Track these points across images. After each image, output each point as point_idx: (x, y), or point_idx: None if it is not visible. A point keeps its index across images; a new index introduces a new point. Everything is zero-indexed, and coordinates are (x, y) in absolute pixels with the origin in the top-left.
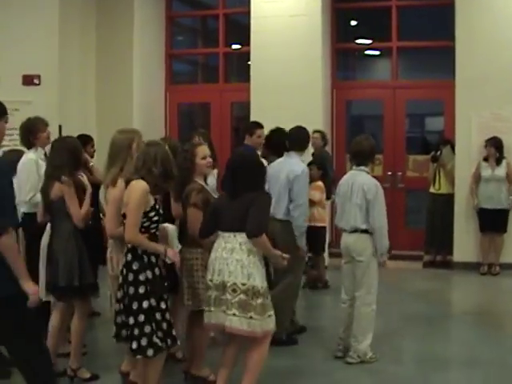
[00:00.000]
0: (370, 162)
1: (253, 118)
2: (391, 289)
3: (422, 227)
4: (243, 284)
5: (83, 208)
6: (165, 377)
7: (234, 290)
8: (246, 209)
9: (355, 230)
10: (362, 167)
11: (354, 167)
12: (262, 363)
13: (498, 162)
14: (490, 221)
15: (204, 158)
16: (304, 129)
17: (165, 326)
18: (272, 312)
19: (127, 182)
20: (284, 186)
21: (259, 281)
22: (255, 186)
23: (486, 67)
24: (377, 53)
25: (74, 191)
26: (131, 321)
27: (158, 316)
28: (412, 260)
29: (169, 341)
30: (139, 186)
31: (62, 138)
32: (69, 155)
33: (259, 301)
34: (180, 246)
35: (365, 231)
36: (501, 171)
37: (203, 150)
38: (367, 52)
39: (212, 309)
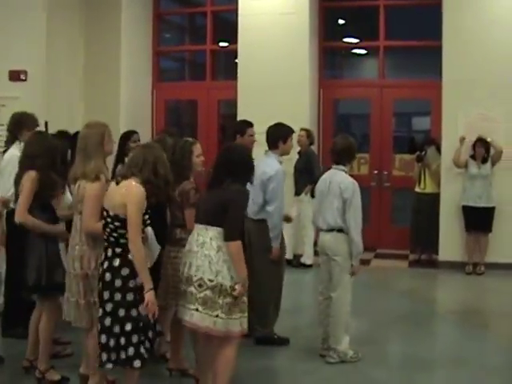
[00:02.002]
0: (348, 161)
1: (240, 116)
2: (376, 287)
3: (408, 226)
4: (210, 280)
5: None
6: (154, 379)
7: (201, 285)
8: (220, 204)
9: (332, 229)
10: (341, 166)
11: (333, 166)
12: (231, 366)
13: (485, 160)
14: (476, 220)
15: (199, 155)
16: (281, 125)
17: (151, 334)
18: (243, 314)
19: (120, 179)
20: (258, 187)
21: (228, 280)
22: (233, 177)
23: (473, 68)
24: (364, 52)
25: (32, 186)
26: (116, 329)
27: (145, 325)
28: (398, 259)
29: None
30: (138, 190)
31: (42, 132)
32: (44, 151)
33: (227, 300)
34: (159, 248)
35: (341, 230)
36: (487, 169)
37: (199, 147)
38: (355, 51)
39: (181, 302)
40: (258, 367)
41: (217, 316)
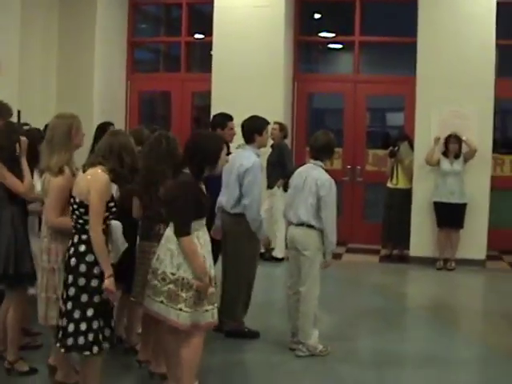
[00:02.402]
0: (326, 157)
1: (214, 109)
2: (347, 282)
3: (380, 221)
4: (172, 274)
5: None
6: (123, 370)
7: (164, 279)
8: (173, 196)
9: (302, 224)
10: (318, 162)
11: (311, 161)
12: (196, 359)
13: (457, 157)
14: (447, 216)
15: None
16: (256, 118)
17: (113, 323)
18: (211, 307)
19: (87, 167)
20: (234, 180)
21: (189, 272)
22: (196, 167)
23: (447, 65)
24: (339, 46)
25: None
26: (77, 315)
27: (107, 312)
28: (369, 254)
29: (114, 340)
30: (102, 177)
31: (12, 124)
32: (9, 143)
33: (190, 294)
34: (126, 245)
35: (311, 226)
36: (459, 165)
37: None
38: (330, 45)
39: (152, 296)
40: (227, 360)
41: (180, 310)
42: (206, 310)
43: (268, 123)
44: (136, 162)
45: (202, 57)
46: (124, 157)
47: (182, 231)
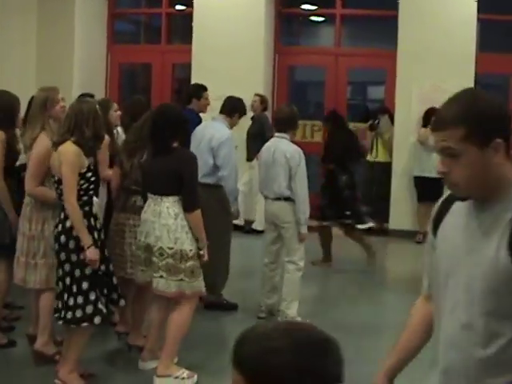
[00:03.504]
0: (290, 128)
1: (194, 81)
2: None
3: (359, 194)
4: (170, 248)
5: None
6: (100, 341)
7: (161, 254)
8: (174, 172)
9: (279, 198)
10: (283, 134)
11: (276, 134)
12: (185, 327)
13: None
14: (429, 190)
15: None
16: (242, 102)
17: (106, 291)
18: (202, 277)
19: (57, 144)
20: (207, 151)
21: (187, 244)
22: (175, 139)
23: (428, 39)
24: (321, 19)
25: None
26: (74, 289)
27: (101, 281)
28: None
29: (111, 307)
30: (71, 149)
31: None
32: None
33: (188, 264)
34: (101, 222)
35: (288, 199)
36: None
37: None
38: (312, 18)
39: (144, 268)
40: (205, 331)
41: (181, 280)
42: (201, 280)
43: (245, 113)
44: (99, 130)
45: (183, 28)
46: (85, 130)
47: (194, 205)
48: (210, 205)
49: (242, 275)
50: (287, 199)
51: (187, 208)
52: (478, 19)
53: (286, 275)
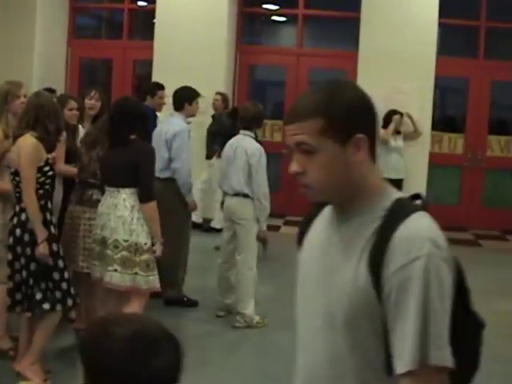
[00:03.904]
0: (255, 126)
1: (155, 77)
2: (284, 254)
3: None
4: (125, 240)
5: None
6: (58, 337)
7: (116, 247)
8: (131, 164)
9: (237, 194)
10: (247, 132)
11: (241, 131)
12: None
13: (398, 132)
14: None
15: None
16: (188, 88)
17: (64, 285)
18: (156, 271)
19: (16, 137)
20: (163, 145)
21: (143, 237)
22: (133, 131)
23: (389, 41)
24: (283, 19)
25: None
26: (31, 282)
27: (56, 276)
28: None
29: (69, 301)
30: (30, 142)
31: None
32: None
33: (143, 257)
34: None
35: (247, 195)
36: (401, 141)
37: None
38: (274, 18)
39: (96, 263)
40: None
41: (136, 273)
42: (154, 274)
43: (199, 95)
44: (60, 124)
45: (144, 25)
46: (48, 124)
47: (150, 196)
48: (166, 198)
49: (201, 273)
50: (245, 196)
51: (142, 199)
52: (439, 23)
53: (239, 276)
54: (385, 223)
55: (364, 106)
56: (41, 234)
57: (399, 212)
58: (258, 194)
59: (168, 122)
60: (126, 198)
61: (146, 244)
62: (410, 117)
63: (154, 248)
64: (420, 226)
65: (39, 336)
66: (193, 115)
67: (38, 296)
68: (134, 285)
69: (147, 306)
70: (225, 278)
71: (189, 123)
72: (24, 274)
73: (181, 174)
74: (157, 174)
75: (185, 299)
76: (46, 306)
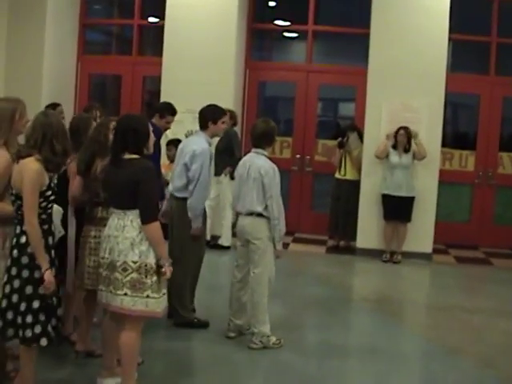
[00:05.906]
0: (267, 144)
1: (164, 94)
2: (292, 272)
3: (328, 212)
4: (134, 262)
5: None
6: (58, 358)
7: (125, 269)
8: (131, 183)
9: (251, 213)
10: (260, 150)
11: (253, 150)
12: (138, 344)
13: (406, 150)
14: (395, 209)
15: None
16: (214, 106)
17: (59, 311)
18: (165, 290)
19: (19, 157)
20: (182, 164)
21: (152, 258)
22: (136, 149)
23: (398, 57)
24: (294, 35)
25: None
26: (23, 307)
27: (52, 302)
28: (316, 244)
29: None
30: (34, 167)
31: None
32: None
33: (154, 278)
34: (63, 232)
35: (260, 215)
36: (408, 159)
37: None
38: (284, 34)
39: (103, 288)
40: (174, 349)
41: (147, 296)
42: (164, 294)
43: (225, 113)
44: (67, 145)
45: (154, 41)
46: (55, 144)
47: (151, 217)
48: (183, 219)
49: (209, 291)
50: (259, 215)
51: (143, 219)
52: (450, 39)
53: (253, 295)
54: None
55: None
56: (44, 262)
57: None
58: (272, 214)
59: (191, 141)
60: (133, 219)
61: (155, 264)
62: (414, 137)
63: (163, 270)
64: None
65: (27, 364)
66: (217, 135)
67: (37, 329)
68: (146, 309)
69: (156, 325)
70: (236, 298)
71: (210, 144)
72: (15, 297)
73: (191, 198)
74: (175, 193)
75: (195, 321)
76: (44, 342)
